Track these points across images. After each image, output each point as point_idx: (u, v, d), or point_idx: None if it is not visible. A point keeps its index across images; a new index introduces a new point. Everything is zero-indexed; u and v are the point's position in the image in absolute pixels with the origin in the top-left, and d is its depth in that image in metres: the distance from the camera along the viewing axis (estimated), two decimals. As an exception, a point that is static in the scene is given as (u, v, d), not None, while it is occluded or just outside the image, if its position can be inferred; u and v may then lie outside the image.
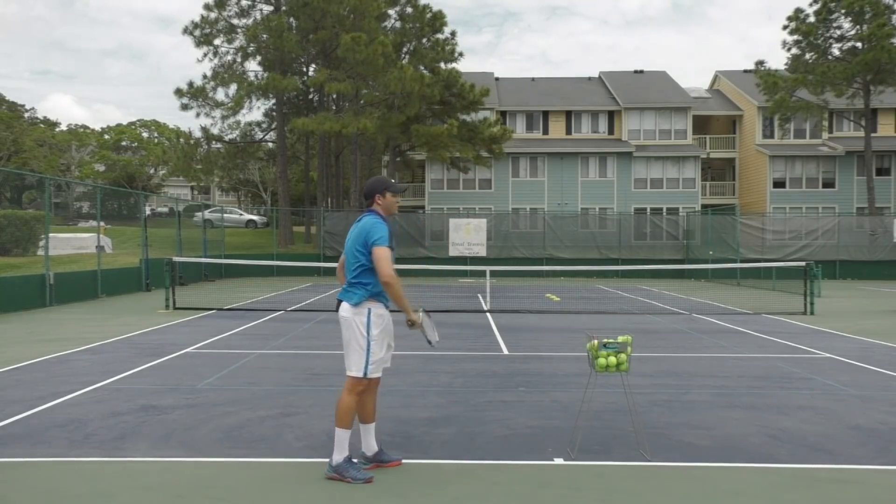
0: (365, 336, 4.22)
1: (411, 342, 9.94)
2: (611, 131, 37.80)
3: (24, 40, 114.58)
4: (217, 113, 32.54)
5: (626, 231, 30.48)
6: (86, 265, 19.23)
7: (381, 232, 4.19)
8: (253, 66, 44.37)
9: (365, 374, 4.22)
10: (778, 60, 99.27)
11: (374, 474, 4.28)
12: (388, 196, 4.37)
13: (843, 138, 36.43)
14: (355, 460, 4.35)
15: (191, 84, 30.90)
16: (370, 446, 4.47)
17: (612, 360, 4.58)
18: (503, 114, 37.47)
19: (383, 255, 4.14)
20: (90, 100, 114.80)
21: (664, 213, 33.53)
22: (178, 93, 30.73)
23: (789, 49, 31.56)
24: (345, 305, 4.30)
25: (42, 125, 57.25)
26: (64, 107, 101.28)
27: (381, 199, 4.36)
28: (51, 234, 16.31)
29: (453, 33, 31.90)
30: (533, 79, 42.98)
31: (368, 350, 4.22)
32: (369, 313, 4.25)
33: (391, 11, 32.05)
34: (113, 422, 5.49)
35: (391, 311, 4.42)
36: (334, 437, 4.23)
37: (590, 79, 42.74)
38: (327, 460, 4.30)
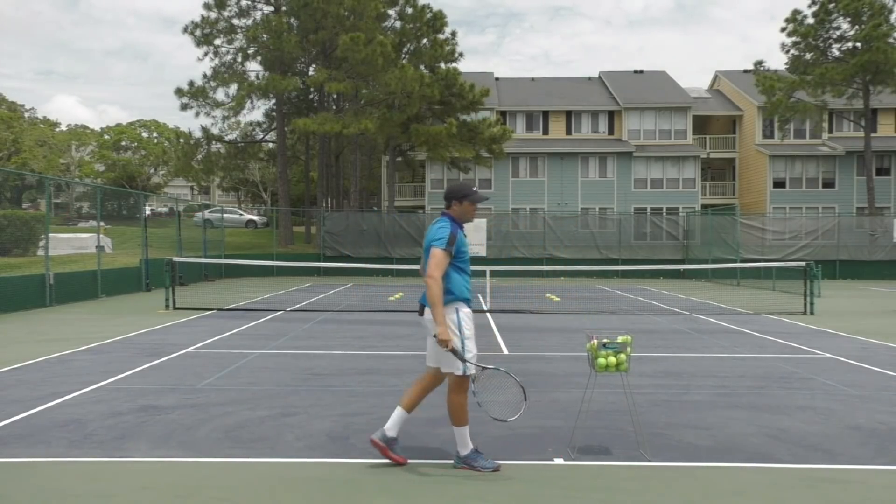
0: (459, 335, 4.28)
1: (411, 342, 9.95)
2: (611, 131, 37.79)
3: (28, 41, 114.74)
4: (217, 113, 32.56)
5: (626, 231, 30.46)
6: (86, 265, 19.21)
7: (442, 234, 4.28)
8: (253, 67, 44.36)
9: (464, 371, 4.29)
10: (780, 61, 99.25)
11: (499, 464, 4.40)
12: (466, 204, 4.45)
13: (842, 138, 36.41)
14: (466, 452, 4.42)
15: (191, 84, 30.88)
16: (392, 428, 4.41)
17: (612, 360, 4.58)
18: (503, 114, 37.46)
19: (435, 255, 4.23)
20: (93, 100, 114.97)
21: (664, 213, 33.50)
22: (179, 92, 30.71)
23: (788, 51, 31.57)
24: (430, 310, 4.32)
25: (42, 125, 57.23)
26: (68, 108, 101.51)
27: (457, 205, 4.44)
28: (51, 234, 16.30)
29: (453, 33, 31.91)
30: (533, 79, 42.96)
31: (464, 348, 4.29)
32: (458, 312, 4.31)
33: (391, 11, 32.03)
34: (113, 422, 5.49)
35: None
36: (455, 435, 4.37)
37: (590, 79, 42.72)
38: (327, 460, 4.29)
